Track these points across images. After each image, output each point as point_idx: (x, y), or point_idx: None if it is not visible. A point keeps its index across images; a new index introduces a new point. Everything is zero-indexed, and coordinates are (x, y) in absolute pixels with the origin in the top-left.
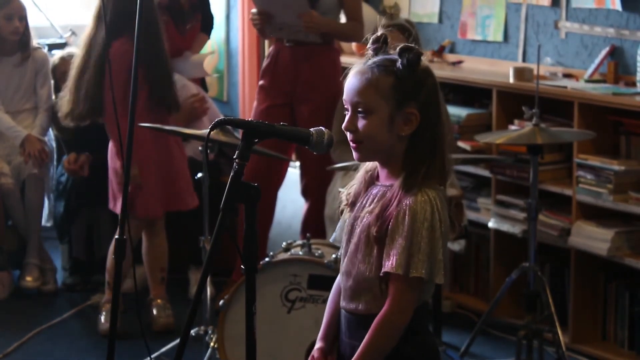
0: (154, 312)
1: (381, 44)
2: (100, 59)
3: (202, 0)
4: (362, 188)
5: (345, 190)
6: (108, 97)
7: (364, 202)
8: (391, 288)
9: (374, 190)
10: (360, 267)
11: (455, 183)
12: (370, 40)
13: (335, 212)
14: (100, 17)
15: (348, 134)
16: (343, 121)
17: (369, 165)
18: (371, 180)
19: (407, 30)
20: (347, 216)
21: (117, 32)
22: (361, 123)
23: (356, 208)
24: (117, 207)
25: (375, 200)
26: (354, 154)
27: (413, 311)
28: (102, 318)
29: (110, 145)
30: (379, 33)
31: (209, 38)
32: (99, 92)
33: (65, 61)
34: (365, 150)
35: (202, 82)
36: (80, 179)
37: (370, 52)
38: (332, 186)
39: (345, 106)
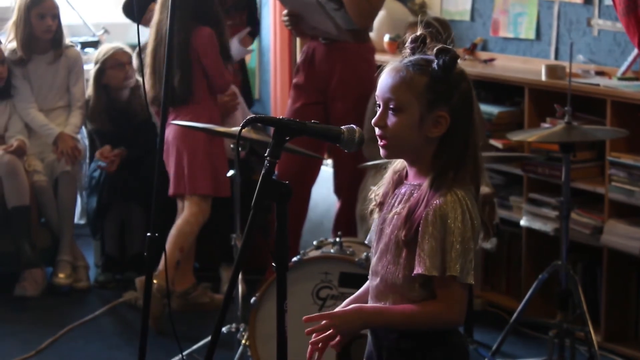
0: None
1: (419, 44)
2: (184, 45)
3: (248, 1)
4: (390, 188)
5: (374, 190)
6: (198, 81)
7: (393, 202)
8: (439, 291)
9: (403, 190)
10: (390, 268)
11: (488, 181)
12: (409, 39)
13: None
14: (166, 5)
15: (377, 130)
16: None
17: (397, 165)
18: (399, 180)
19: (433, 28)
20: (376, 217)
21: (197, 20)
22: (391, 120)
23: (385, 209)
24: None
25: (403, 200)
26: (381, 151)
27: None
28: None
29: (179, 130)
30: (418, 32)
31: (252, 42)
32: (189, 77)
33: (119, 51)
34: (392, 147)
35: (242, 66)
36: (113, 173)
37: (407, 51)
38: (363, 184)
39: (377, 102)
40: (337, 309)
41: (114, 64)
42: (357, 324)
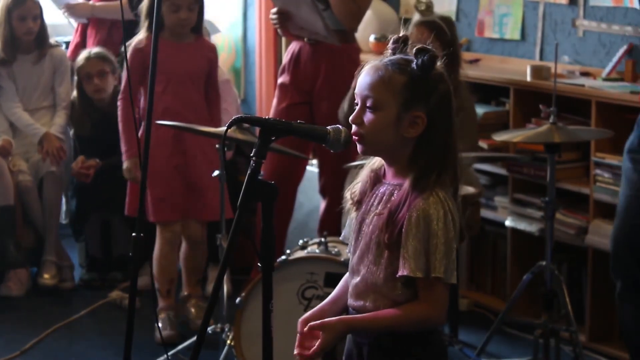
0: (192, 311)
1: (401, 44)
2: None
3: None
4: (367, 187)
5: (349, 188)
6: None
7: (372, 201)
8: (422, 293)
9: (382, 189)
10: (371, 267)
11: (476, 181)
12: (391, 40)
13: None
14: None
15: (353, 127)
16: (349, 111)
17: (375, 163)
18: (377, 178)
19: (437, 27)
20: (353, 215)
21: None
22: (368, 117)
23: (363, 207)
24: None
25: (383, 201)
26: (358, 147)
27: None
28: (160, 326)
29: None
30: (401, 33)
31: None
32: None
33: (90, 61)
34: (368, 144)
35: None
36: (88, 184)
37: (389, 51)
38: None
39: (356, 100)
40: (317, 309)
41: (84, 75)
42: (344, 334)
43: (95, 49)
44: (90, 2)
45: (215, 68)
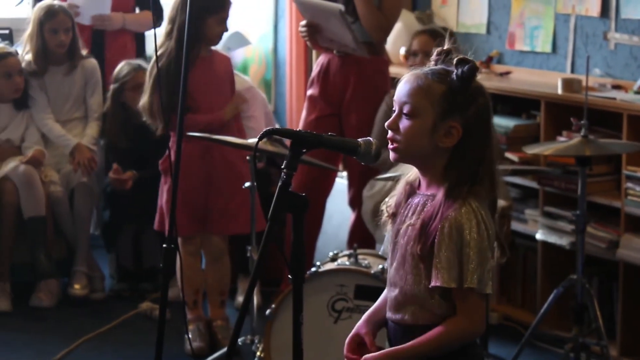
0: (216, 333)
1: (444, 57)
2: None
3: None
4: (402, 199)
5: (385, 202)
6: None
7: (406, 212)
8: (458, 304)
9: (415, 200)
10: (408, 279)
11: (507, 194)
12: (435, 52)
13: (367, 214)
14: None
15: (389, 133)
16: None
17: (410, 176)
18: (412, 190)
19: (439, 35)
20: (389, 228)
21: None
22: (404, 124)
23: (398, 219)
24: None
25: (416, 212)
26: (391, 154)
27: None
28: (190, 337)
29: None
30: (445, 47)
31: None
32: None
33: (139, 74)
34: (401, 151)
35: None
36: (124, 194)
37: (432, 62)
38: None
39: (394, 107)
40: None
41: (133, 85)
42: None
43: (137, 61)
44: (120, 14)
45: (232, 77)
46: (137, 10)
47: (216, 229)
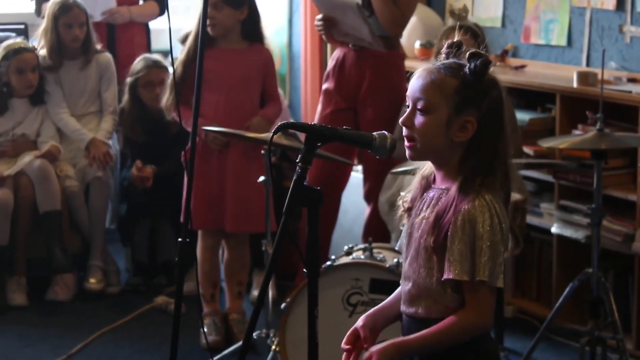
0: (232, 327)
1: (455, 49)
2: None
3: None
4: (418, 193)
5: (402, 197)
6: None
7: (421, 206)
8: (467, 296)
9: (430, 194)
10: (421, 272)
11: (523, 188)
12: (446, 45)
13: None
14: None
15: (403, 130)
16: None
17: (425, 170)
18: (427, 185)
19: (476, 34)
20: (405, 222)
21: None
22: (418, 120)
23: (413, 213)
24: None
25: (431, 205)
26: (407, 152)
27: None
28: (205, 331)
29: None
30: (455, 39)
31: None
32: None
33: (152, 70)
34: (417, 148)
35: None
36: (139, 189)
37: (443, 55)
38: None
39: (407, 103)
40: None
41: (145, 82)
42: (396, 358)
43: (153, 57)
44: (126, 7)
45: (270, 73)
46: (141, 2)
47: (232, 228)
